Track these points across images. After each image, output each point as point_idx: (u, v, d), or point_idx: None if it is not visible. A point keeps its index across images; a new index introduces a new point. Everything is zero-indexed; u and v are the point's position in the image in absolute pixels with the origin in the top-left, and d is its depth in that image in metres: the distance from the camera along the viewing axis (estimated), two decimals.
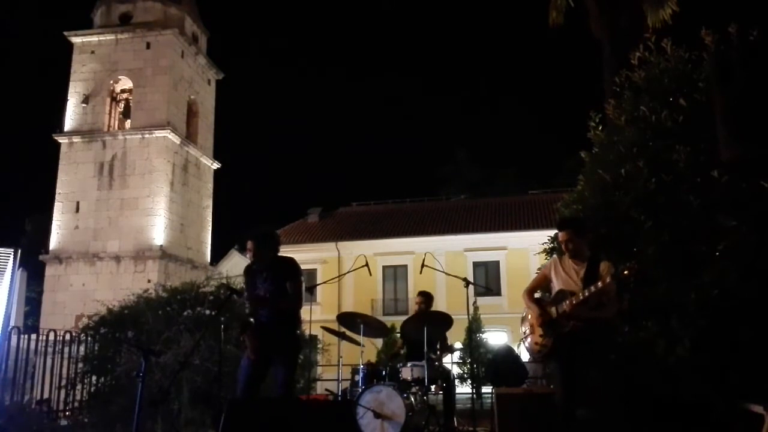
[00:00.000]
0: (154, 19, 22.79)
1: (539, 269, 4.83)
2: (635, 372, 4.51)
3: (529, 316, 4.42)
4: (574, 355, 4.09)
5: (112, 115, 22.71)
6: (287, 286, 4.67)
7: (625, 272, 3.83)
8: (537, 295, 4.55)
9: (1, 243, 5.73)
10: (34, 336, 7.69)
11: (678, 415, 4.38)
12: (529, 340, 4.42)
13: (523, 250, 23.41)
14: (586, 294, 4.00)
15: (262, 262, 4.76)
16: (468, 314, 6.78)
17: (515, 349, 6.57)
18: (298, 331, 4.96)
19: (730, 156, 4.37)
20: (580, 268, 4.22)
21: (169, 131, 21.51)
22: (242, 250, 30.28)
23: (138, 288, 8.41)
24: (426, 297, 6.66)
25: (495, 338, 21.42)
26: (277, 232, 5.08)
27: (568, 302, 4.12)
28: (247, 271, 4.89)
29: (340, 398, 5.85)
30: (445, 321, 5.99)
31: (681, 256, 4.58)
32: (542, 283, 4.56)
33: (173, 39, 22.42)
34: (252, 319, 4.71)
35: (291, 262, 4.81)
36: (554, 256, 5.18)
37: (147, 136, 21.52)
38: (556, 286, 4.35)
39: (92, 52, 22.64)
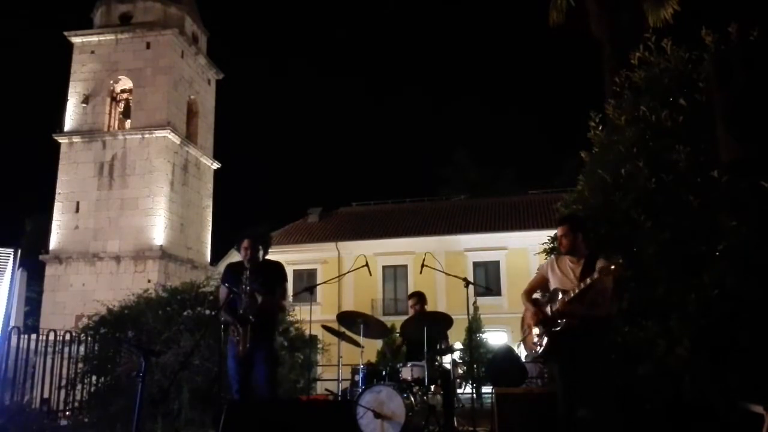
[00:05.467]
0: (154, 19, 22.79)
1: (539, 269, 4.83)
2: (635, 372, 4.51)
3: (527, 316, 4.44)
4: (573, 355, 4.09)
5: (112, 115, 22.70)
6: (277, 289, 4.89)
7: (612, 267, 3.82)
8: (536, 295, 4.56)
9: (1, 243, 5.73)
10: (34, 336, 7.69)
11: (678, 415, 4.38)
12: (526, 339, 4.45)
13: (523, 250, 23.43)
14: (578, 290, 4.01)
15: (254, 261, 4.87)
16: (468, 314, 6.77)
17: (515, 349, 6.56)
18: (277, 333, 5.11)
19: (730, 156, 4.37)
20: (576, 267, 4.23)
21: (169, 131, 21.50)
22: (237, 247, 30.26)
23: (138, 288, 8.42)
24: (419, 297, 6.66)
25: (495, 338, 21.40)
26: (272, 235, 5.21)
27: (560, 299, 4.13)
28: (233, 267, 4.98)
29: (340, 398, 5.85)
30: (444, 321, 5.99)
31: (681, 256, 4.57)
32: (540, 283, 4.57)
33: (173, 39, 22.41)
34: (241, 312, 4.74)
35: (280, 267, 5.05)
36: (552, 255, 5.18)
37: (147, 136, 21.51)
38: (552, 285, 4.36)
39: (92, 52, 22.62)
